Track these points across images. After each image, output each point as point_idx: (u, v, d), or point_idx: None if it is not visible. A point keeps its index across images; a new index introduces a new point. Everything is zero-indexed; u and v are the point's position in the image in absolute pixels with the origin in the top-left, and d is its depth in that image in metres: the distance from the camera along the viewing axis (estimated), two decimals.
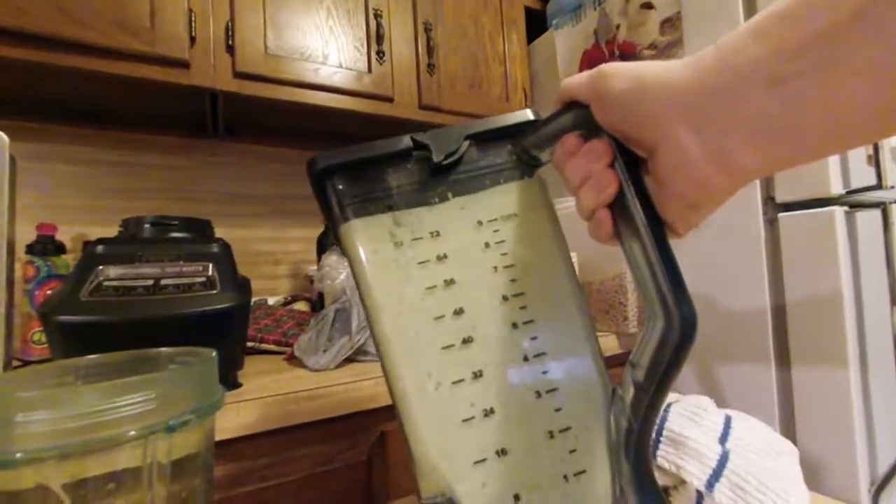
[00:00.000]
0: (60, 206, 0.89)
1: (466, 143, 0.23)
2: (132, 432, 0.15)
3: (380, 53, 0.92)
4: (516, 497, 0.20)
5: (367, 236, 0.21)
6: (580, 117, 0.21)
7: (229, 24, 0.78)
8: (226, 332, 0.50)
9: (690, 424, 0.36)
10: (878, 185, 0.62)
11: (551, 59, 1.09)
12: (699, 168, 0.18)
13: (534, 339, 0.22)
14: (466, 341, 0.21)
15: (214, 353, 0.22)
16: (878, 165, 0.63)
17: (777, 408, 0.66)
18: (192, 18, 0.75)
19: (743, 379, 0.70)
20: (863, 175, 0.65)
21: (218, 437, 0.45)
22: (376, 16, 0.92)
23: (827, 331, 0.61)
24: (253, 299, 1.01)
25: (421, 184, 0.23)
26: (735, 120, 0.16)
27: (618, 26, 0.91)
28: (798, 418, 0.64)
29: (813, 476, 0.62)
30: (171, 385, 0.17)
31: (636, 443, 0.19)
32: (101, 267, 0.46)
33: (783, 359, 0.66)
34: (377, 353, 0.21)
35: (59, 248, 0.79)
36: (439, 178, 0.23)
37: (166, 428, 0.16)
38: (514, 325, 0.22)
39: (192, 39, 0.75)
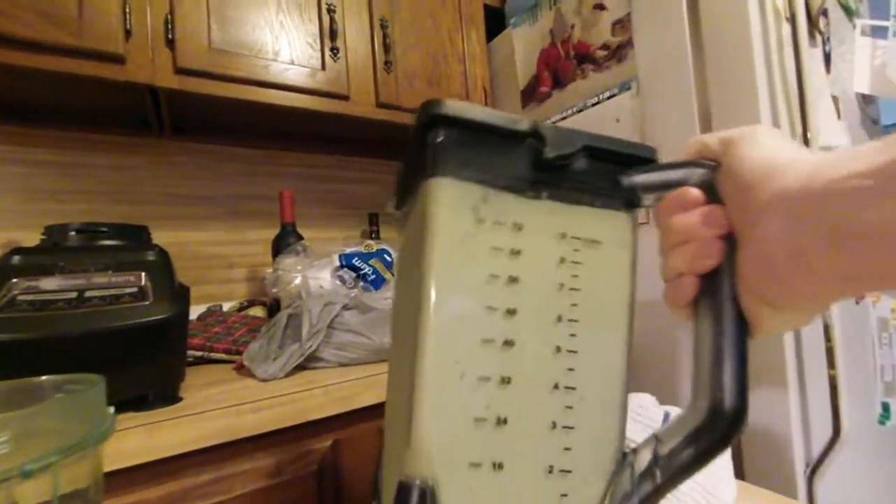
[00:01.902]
0: None
1: (583, 150, 0.22)
2: None
3: (334, 50, 0.89)
4: None
5: (451, 199, 0.20)
6: (707, 177, 0.20)
7: (168, 16, 0.74)
8: (161, 345, 0.47)
9: (630, 422, 0.37)
10: None
11: (510, 57, 1.10)
12: (778, 262, 0.17)
13: (570, 370, 0.21)
14: (507, 343, 0.20)
15: (102, 379, 0.20)
16: None
17: None
18: (127, 10, 0.70)
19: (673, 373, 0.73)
20: None
21: (155, 456, 0.43)
22: (329, 11, 0.89)
23: None
24: (207, 305, 0.98)
25: (522, 171, 0.21)
26: (840, 222, 0.15)
27: (572, 26, 0.92)
28: None
29: (752, 461, 0.65)
30: (34, 422, 0.16)
31: None
32: (15, 280, 0.42)
33: None
34: (414, 323, 0.20)
35: None
36: (540, 174, 0.22)
37: (21, 474, 0.14)
38: (558, 349, 0.21)
39: (128, 32, 0.70)
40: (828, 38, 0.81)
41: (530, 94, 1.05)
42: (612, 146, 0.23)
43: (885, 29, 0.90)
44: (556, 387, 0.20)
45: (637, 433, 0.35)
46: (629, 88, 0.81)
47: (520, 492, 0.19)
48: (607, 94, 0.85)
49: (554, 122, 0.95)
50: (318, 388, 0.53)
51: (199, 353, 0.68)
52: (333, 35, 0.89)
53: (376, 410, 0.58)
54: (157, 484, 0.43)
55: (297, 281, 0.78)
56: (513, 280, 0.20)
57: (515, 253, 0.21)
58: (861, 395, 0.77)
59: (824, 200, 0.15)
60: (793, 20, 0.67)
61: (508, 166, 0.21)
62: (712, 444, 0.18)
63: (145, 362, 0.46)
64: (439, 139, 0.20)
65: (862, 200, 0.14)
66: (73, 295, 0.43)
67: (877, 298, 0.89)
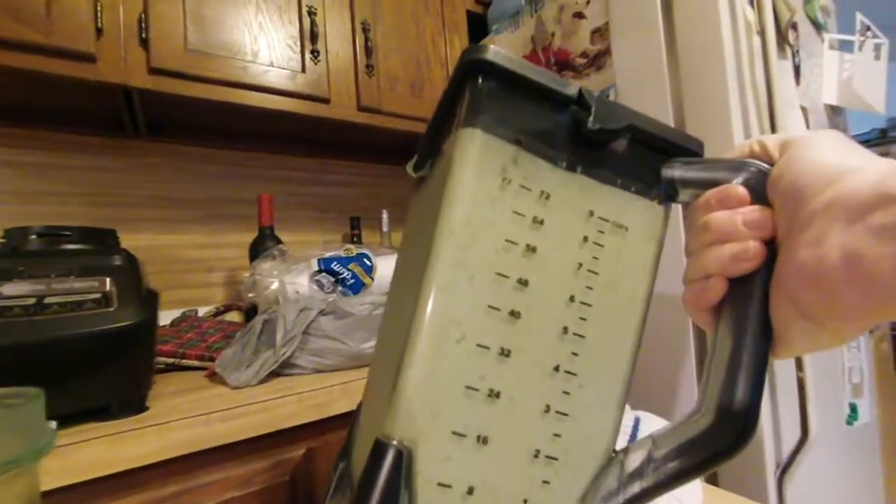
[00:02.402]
0: None
1: (628, 129, 0.21)
2: None
3: (314, 52, 0.89)
4: (470, 490, 0.18)
5: (480, 155, 0.19)
6: (755, 177, 0.19)
7: (142, 15, 0.72)
8: (126, 353, 0.46)
9: None
10: None
11: None
12: (829, 267, 0.15)
13: (574, 354, 0.20)
14: (513, 314, 0.19)
15: (40, 393, 0.19)
16: None
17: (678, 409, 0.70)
18: (98, 8, 0.69)
19: (647, 379, 0.74)
20: None
21: (118, 468, 0.41)
22: (310, 13, 0.89)
23: None
24: (183, 310, 0.96)
25: (559, 139, 0.20)
26: None
27: (553, 34, 0.93)
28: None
29: (720, 470, 0.66)
30: None
31: None
32: None
33: (700, 355, 0.70)
34: (419, 277, 0.19)
35: None
36: (578, 145, 0.20)
37: None
38: (565, 330, 0.20)
39: (99, 31, 0.69)
40: (797, 51, 0.83)
41: None
42: (657, 131, 0.22)
43: (852, 43, 0.94)
44: (556, 369, 0.20)
45: None
46: (607, 96, 0.83)
47: (500, 471, 0.19)
48: None
49: None
50: (292, 395, 0.52)
51: (171, 360, 0.66)
52: (314, 37, 0.89)
53: (351, 418, 0.57)
54: (118, 498, 0.42)
55: (274, 286, 0.76)
56: (530, 250, 0.19)
57: (538, 222, 0.20)
58: (830, 397, 0.79)
59: None
60: (763, 33, 0.69)
61: (547, 131, 0.20)
62: (711, 456, 0.17)
63: (109, 371, 0.45)
64: (478, 88, 0.19)
65: None
66: (32, 301, 0.42)
67: None
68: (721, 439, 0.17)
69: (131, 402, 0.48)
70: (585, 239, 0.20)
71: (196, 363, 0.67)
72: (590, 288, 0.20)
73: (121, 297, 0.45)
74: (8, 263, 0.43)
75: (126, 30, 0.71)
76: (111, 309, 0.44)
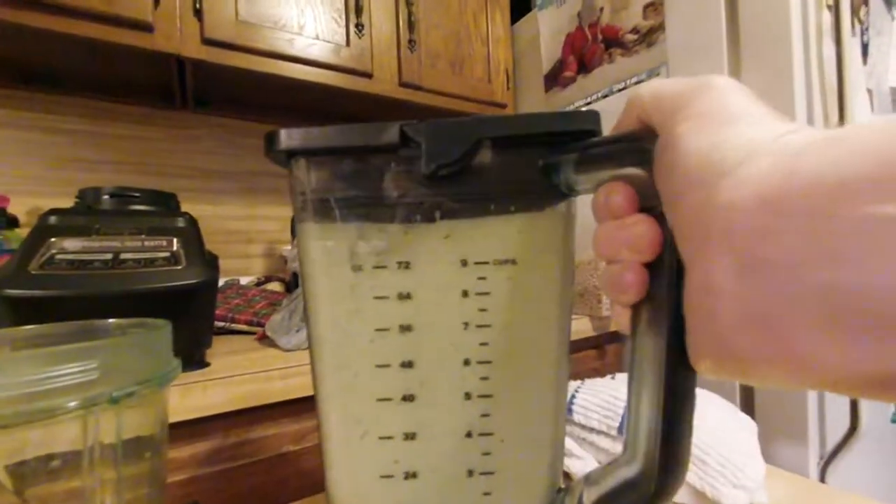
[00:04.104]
0: (13, 176, 0.84)
1: (479, 145, 0.17)
2: (71, 403, 0.14)
3: (358, 26, 0.88)
4: None
5: (323, 248, 0.18)
6: (639, 162, 0.15)
7: None
8: (191, 310, 0.48)
9: (600, 409, 0.37)
10: None
11: (534, 41, 1.08)
12: (726, 328, 0.11)
13: (485, 416, 0.19)
14: (407, 398, 0.18)
15: (168, 324, 0.21)
16: None
17: (738, 387, 0.69)
18: None
19: None
20: None
21: (184, 416, 0.44)
22: None
23: None
24: (224, 279, 0.99)
25: (404, 191, 0.18)
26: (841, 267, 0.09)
27: (601, 9, 0.90)
28: (757, 397, 0.67)
29: (767, 450, 0.66)
30: (115, 354, 0.16)
31: None
32: (53, 239, 0.43)
33: None
34: (312, 381, 0.19)
35: (12, 222, 0.74)
36: (431, 187, 0.18)
37: (109, 399, 0.15)
38: (468, 396, 0.19)
39: (156, 1, 0.70)
40: (866, 29, 0.78)
41: (554, 79, 1.03)
42: (522, 129, 0.17)
43: None
44: (468, 435, 0.19)
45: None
46: (658, 74, 0.80)
47: None
48: (634, 79, 0.84)
49: (577, 108, 0.94)
50: None
51: (222, 324, 0.69)
52: (358, 11, 0.88)
53: None
54: (191, 444, 0.44)
55: None
56: (405, 329, 0.18)
57: (404, 297, 0.18)
58: None
59: (809, 226, 0.09)
60: (836, 8, 0.65)
61: (386, 190, 0.18)
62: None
63: (176, 325, 0.47)
64: (293, 177, 0.18)
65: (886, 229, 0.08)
66: (109, 256, 0.44)
67: None
68: (648, 489, 0.15)
69: (194, 357, 0.50)
70: (465, 293, 0.18)
71: (245, 327, 0.70)
72: (484, 344, 0.18)
73: (187, 257, 0.47)
74: (85, 221, 0.46)
75: (181, 1, 0.73)
76: (179, 267, 0.46)
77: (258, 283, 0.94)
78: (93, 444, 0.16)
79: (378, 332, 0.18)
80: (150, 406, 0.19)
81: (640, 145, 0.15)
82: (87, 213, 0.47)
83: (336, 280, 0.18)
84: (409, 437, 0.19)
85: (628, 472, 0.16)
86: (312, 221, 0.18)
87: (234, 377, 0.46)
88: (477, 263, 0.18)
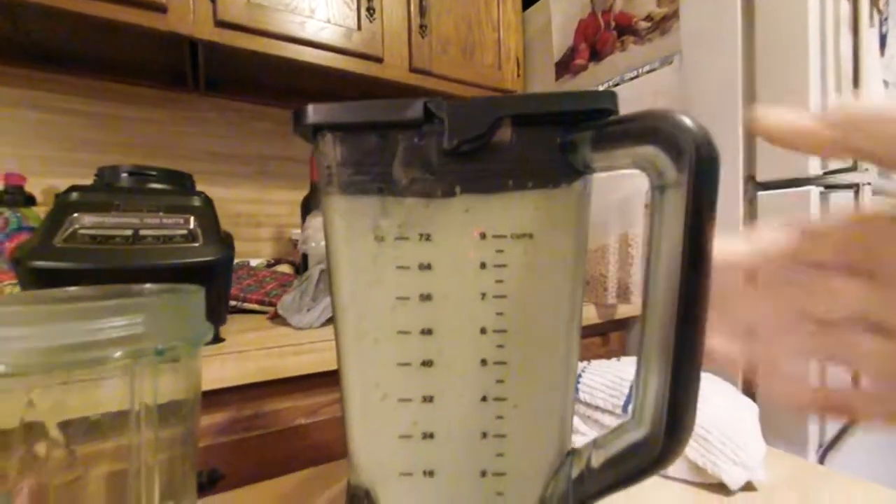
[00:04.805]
0: (29, 157, 0.85)
1: (500, 122, 0.18)
2: (118, 353, 0.15)
3: (370, 10, 0.88)
4: None
5: (347, 221, 0.19)
6: (655, 132, 0.15)
7: None
8: (208, 286, 0.49)
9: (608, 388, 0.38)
10: (854, 167, 0.64)
11: (546, 27, 1.07)
12: None
13: (500, 381, 0.20)
14: (426, 364, 0.19)
15: (201, 289, 0.22)
16: None
17: (740, 372, 0.70)
18: None
19: None
20: (841, 159, 0.67)
21: (205, 388, 0.46)
22: None
23: None
24: (235, 260, 1.01)
25: (426, 167, 0.18)
26: None
27: None
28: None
29: (766, 437, 0.67)
30: (158, 312, 0.17)
31: None
32: (75, 214, 0.44)
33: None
34: (335, 345, 0.20)
35: (29, 200, 0.76)
36: (452, 163, 0.18)
37: (155, 352, 0.16)
38: (484, 362, 0.19)
39: None
40: (885, 19, 0.77)
41: (565, 66, 1.03)
42: (541, 107, 0.18)
43: None
44: (483, 399, 0.20)
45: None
46: (671, 63, 0.80)
47: (453, 493, 0.20)
48: (647, 67, 0.83)
49: None
50: None
51: (234, 303, 0.71)
52: None
53: None
54: (207, 413, 0.46)
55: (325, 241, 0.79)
56: (425, 298, 0.19)
57: (425, 267, 0.19)
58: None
59: None
60: None
61: (409, 165, 0.18)
62: (643, 468, 0.17)
63: None
64: (320, 152, 0.19)
65: None
66: (129, 232, 0.45)
67: None
68: (654, 451, 0.16)
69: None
70: (483, 265, 0.19)
71: (256, 307, 0.71)
72: (500, 314, 0.19)
73: (204, 235, 0.48)
74: (105, 198, 0.47)
75: None
76: (196, 244, 0.47)
77: (268, 265, 0.95)
78: (138, 407, 0.17)
79: (399, 301, 0.19)
80: (185, 373, 0.20)
81: (654, 123, 0.16)
82: (106, 191, 0.49)
83: (359, 251, 0.19)
84: (427, 399, 0.20)
85: (635, 435, 0.17)
86: (337, 194, 0.19)
87: (249, 352, 0.48)
88: (495, 237, 0.19)
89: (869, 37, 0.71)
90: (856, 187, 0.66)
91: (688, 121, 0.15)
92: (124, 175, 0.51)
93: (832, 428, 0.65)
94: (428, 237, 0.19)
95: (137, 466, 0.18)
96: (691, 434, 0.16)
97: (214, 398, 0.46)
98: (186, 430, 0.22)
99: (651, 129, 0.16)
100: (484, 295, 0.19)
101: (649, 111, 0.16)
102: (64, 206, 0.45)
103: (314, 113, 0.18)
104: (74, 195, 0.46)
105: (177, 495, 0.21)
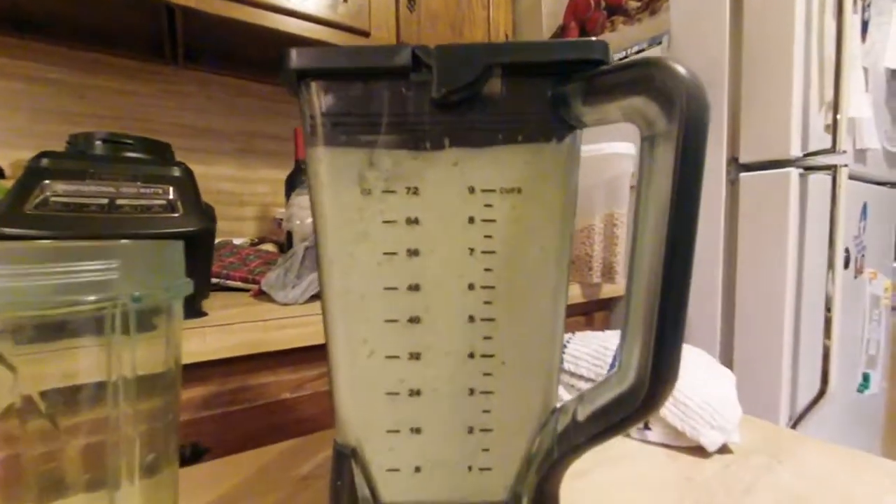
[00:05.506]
0: None
1: (490, 71, 0.17)
2: (91, 297, 0.14)
3: None
4: (417, 468, 0.20)
5: (332, 173, 0.18)
6: (646, 81, 0.15)
7: None
8: (189, 259, 0.48)
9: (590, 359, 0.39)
10: (833, 149, 0.65)
11: (536, 5, 1.05)
12: None
13: (487, 338, 0.19)
14: (413, 320, 0.19)
15: (181, 243, 0.21)
16: (834, 131, 0.66)
17: (719, 345, 0.73)
18: None
19: (693, 318, 0.76)
20: (820, 141, 0.68)
21: (186, 361, 0.45)
22: None
23: (770, 281, 0.66)
24: (216, 239, 0.98)
25: (414, 117, 0.18)
26: None
27: None
28: (736, 353, 0.70)
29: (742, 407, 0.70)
30: (136, 258, 0.16)
31: (551, 466, 0.20)
32: (47, 181, 0.42)
33: (729, 303, 0.72)
34: (321, 303, 0.20)
35: None
36: (441, 115, 0.18)
37: (132, 298, 0.15)
38: (471, 319, 0.19)
39: None
40: (868, 6, 0.78)
41: None
42: (532, 55, 0.17)
43: None
44: (471, 356, 0.20)
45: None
46: (659, 43, 0.79)
47: (439, 450, 0.20)
48: (635, 48, 0.83)
49: None
50: None
51: (216, 280, 0.69)
52: None
53: None
54: (189, 388, 0.45)
55: (310, 220, 0.78)
56: (412, 253, 0.19)
57: (412, 222, 0.18)
58: (847, 363, 0.81)
59: None
60: None
61: (397, 115, 0.18)
62: (626, 417, 0.17)
63: None
64: (304, 100, 0.18)
65: None
66: (105, 201, 0.44)
67: (874, 275, 0.92)
68: (638, 400, 0.16)
69: (192, 307, 0.50)
70: (471, 220, 0.18)
71: (240, 284, 0.70)
72: (488, 270, 0.19)
73: (184, 206, 0.47)
74: (79, 165, 0.45)
75: None
76: (176, 215, 0.46)
77: (252, 245, 0.94)
78: (115, 377, 0.16)
79: (385, 256, 0.19)
80: (166, 339, 0.19)
81: (647, 71, 0.15)
82: (80, 158, 0.47)
83: (345, 203, 0.18)
84: (414, 356, 0.20)
85: (620, 388, 0.17)
86: (322, 145, 0.18)
87: (233, 325, 0.47)
88: (484, 191, 0.18)
89: (852, 22, 0.72)
90: (833, 168, 0.67)
91: (680, 69, 0.15)
92: (99, 143, 0.49)
93: (803, 398, 0.67)
94: (415, 191, 0.18)
95: (116, 438, 0.17)
96: (674, 384, 0.17)
97: (197, 372, 0.46)
98: (167, 401, 0.21)
99: (643, 78, 0.16)
100: (472, 250, 0.19)
101: (642, 58, 0.16)
102: (34, 172, 0.43)
103: (298, 57, 0.18)
104: (45, 161, 0.44)
105: (158, 467, 0.20)
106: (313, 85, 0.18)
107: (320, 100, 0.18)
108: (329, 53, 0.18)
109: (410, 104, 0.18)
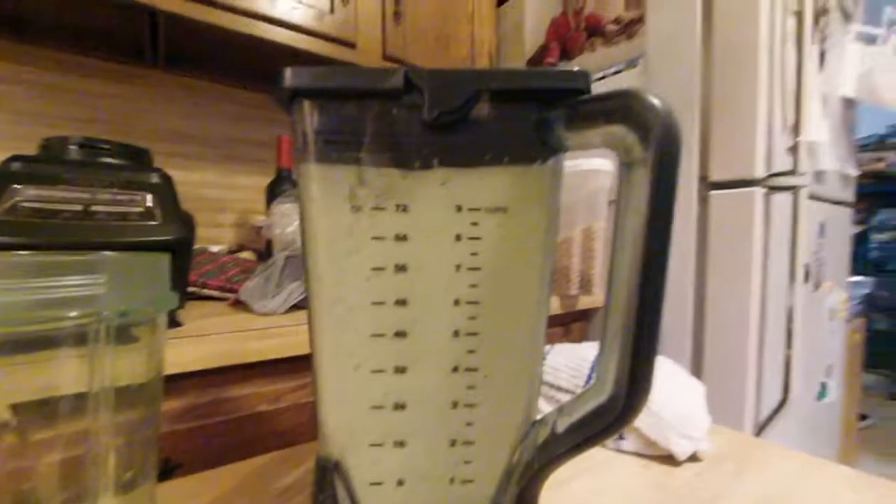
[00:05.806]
0: None
1: (479, 96, 0.18)
2: (73, 313, 0.14)
3: None
4: (400, 482, 0.20)
5: (323, 189, 0.18)
6: (625, 110, 0.16)
7: None
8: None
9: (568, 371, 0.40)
10: (793, 171, 0.69)
11: (519, 24, 1.09)
12: None
13: (471, 352, 0.20)
14: (399, 334, 0.20)
15: (167, 255, 0.21)
16: (795, 154, 0.70)
17: (690, 357, 0.75)
18: None
19: (665, 329, 0.78)
20: (783, 163, 0.73)
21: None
22: None
23: (736, 294, 0.69)
24: (195, 246, 0.96)
25: (405, 137, 0.18)
26: None
27: None
28: (705, 366, 0.73)
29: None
30: (122, 272, 0.16)
31: (531, 477, 0.20)
32: (16, 186, 0.41)
33: (699, 314, 0.75)
34: (307, 315, 0.20)
35: None
36: (431, 135, 0.19)
37: (117, 312, 0.15)
38: (456, 333, 0.20)
39: None
40: (825, 38, 0.84)
41: (537, 64, 1.05)
42: (519, 82, 0.19)
43: (876, 37, 0.95)
44: (455, 370, 0.20)
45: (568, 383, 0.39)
46: (636, 65, 0.83)
47: (422, 463, 0.20)
48: (613, 69, 0.87)
49: None
50: None
51: (193, 289, 0.68)
52: None
53: None
54: (164, 400, 0.44)
55: (293, 227, 0.77)
56: (400, 268, 0.19)
57: (401, 238, 0.19)
58: (807, 373, 0.85)
59: None
60: (800, 14, 0.70)
61: (388, 135, 0.18)
62: (604, 429, 0.18)
63: None
64: (296, 119, 0.18)
65: None
66: (79, 207, 0.42)
67: (831, 288, 0.97)
68: (616, 411, 0.17)
69: (168, 317, 0.49)
70: (458, 237, 0.19)
71: (217, 293, 0.69)
72: (474, 286, 0.20)
73: (163, 213, 0.46)
74: (52, 169, 0.44)
75: None
76: (154, 223, 0.45)
77: (230, 253, 0.92)
78: (97, 388, 0.16)
79: (374, 271, 0.19)
80: (148, 351, 0.19)
81: (625, 102, 0.16)
82: (53, 162, 0.45)
83: (335, 220, 0.19)
84: (400, 370, 0.20)
85: (598, 400, 0.18)
86: (314, 162, 0.19)
87: (210, 336, 0.46)
88: (470, 210, 0.19)
89: (810, 52, 0.77)
90: (794, 189, 0.72)
91: (655, 101, 0.16)
92: (74, 147, 0.48)
93: (766, 407, 0.70)
94: (404, 208, 0.19)
95: (95, 451, 0.17)
96: (649, 394, 0.18)
97: (171, 384, 0.44)
98: (147, 414, 0.21)
99: (621, 108, 0.17)
100: (458, 267, 0.19)
101: (620, 90, 0.17)
102: (4, 176, 0.41)
103: (293, 77, 0.18)
104: (16, 165, 0.42)
105: (136, 481, 0.20)
106: (306, 103, 0.19)
107: (313, 118, 0.19)
108: (323, 73, 0.18)
109: (401, 125, 0.19)
